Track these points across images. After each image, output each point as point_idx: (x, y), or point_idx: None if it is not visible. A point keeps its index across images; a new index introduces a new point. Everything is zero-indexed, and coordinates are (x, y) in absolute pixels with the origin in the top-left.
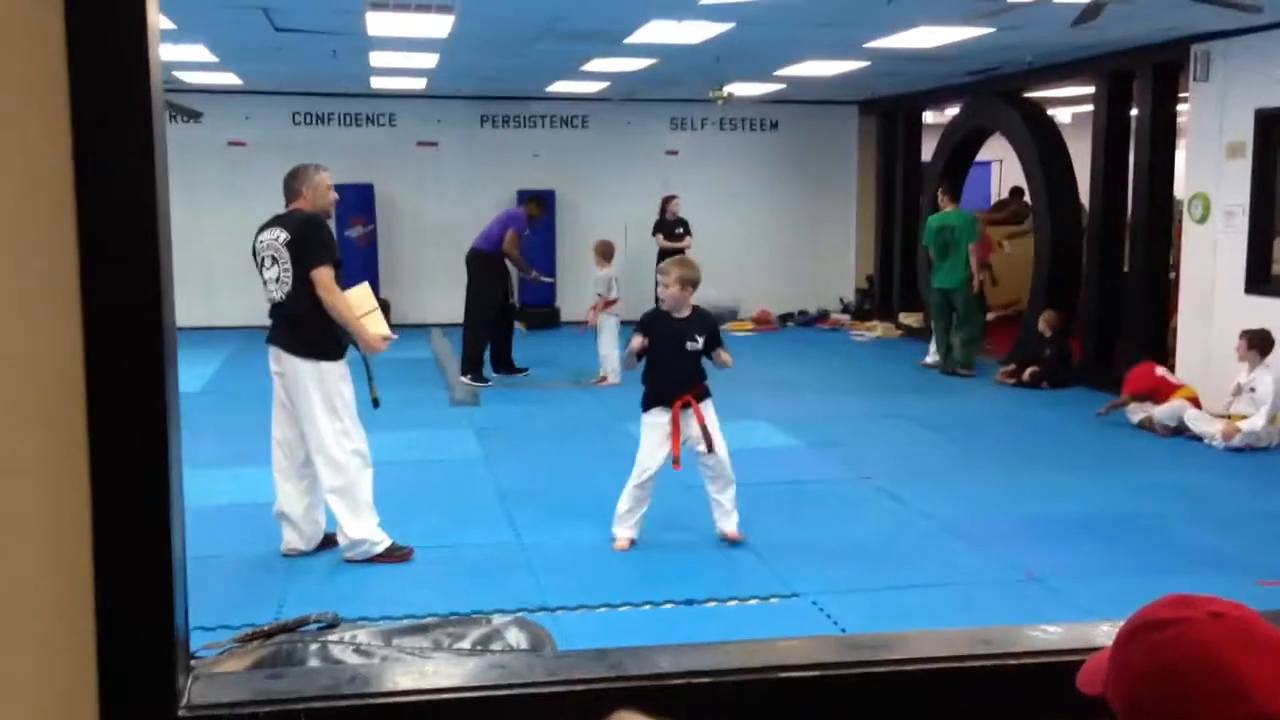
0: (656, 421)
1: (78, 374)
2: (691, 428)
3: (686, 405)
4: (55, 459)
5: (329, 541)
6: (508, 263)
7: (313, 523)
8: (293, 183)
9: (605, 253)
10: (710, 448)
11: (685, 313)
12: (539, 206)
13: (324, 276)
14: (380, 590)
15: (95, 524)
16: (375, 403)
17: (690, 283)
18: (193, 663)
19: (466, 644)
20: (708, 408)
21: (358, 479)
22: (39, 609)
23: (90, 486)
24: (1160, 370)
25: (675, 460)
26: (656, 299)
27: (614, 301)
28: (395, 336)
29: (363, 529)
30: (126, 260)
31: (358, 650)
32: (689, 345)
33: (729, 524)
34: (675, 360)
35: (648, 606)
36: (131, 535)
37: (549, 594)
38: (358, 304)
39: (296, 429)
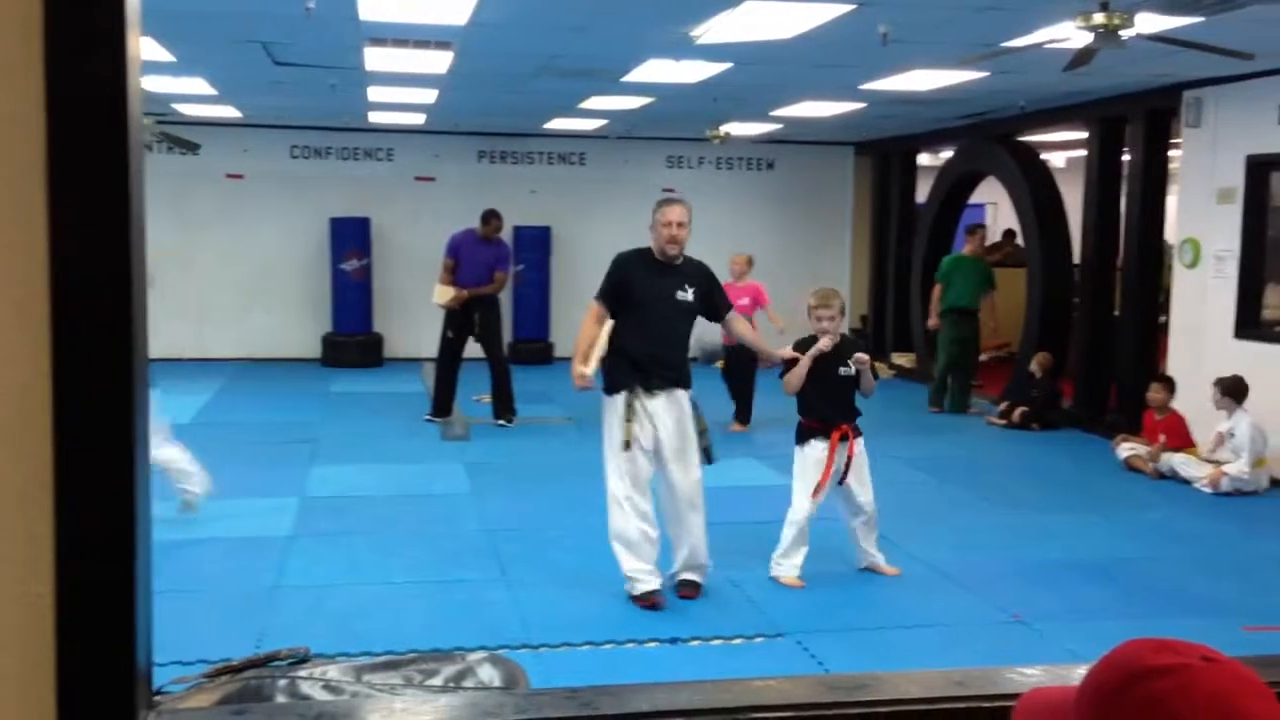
0: (815, 455)
1: (45, 398)
2: (842, 460)
3: (844, 436)
4: (19, 482)
5: (686, 586)
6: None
7: (679, 559)
8: None
9: None
10: (843, 479)
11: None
12: (484, 223)
13: (591, 304)
14: (363, 626)
15: (57, 555)
16: (708, 458)
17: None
18: (158, 698)
19: (438, 680)
20: (861, 443)
21: (616, 521)
22: (2, 641)
23: (54, 514)
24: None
25: (817, 490)
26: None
27: None
28: (589, 380)
29: (626, 568)
30: (99, 285)
31: (327, 686)
32: (841, 370)
33: (870, 559)
34: (833, 387)
35: (631, 645)
36: (93, 566)
37: (532, 631)
38: (599, 341)
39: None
